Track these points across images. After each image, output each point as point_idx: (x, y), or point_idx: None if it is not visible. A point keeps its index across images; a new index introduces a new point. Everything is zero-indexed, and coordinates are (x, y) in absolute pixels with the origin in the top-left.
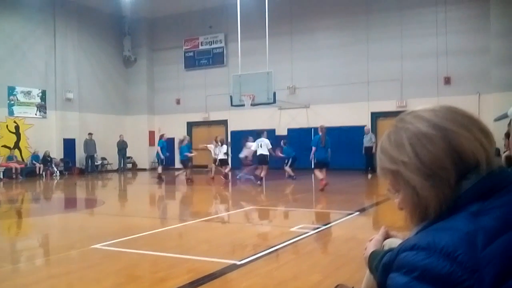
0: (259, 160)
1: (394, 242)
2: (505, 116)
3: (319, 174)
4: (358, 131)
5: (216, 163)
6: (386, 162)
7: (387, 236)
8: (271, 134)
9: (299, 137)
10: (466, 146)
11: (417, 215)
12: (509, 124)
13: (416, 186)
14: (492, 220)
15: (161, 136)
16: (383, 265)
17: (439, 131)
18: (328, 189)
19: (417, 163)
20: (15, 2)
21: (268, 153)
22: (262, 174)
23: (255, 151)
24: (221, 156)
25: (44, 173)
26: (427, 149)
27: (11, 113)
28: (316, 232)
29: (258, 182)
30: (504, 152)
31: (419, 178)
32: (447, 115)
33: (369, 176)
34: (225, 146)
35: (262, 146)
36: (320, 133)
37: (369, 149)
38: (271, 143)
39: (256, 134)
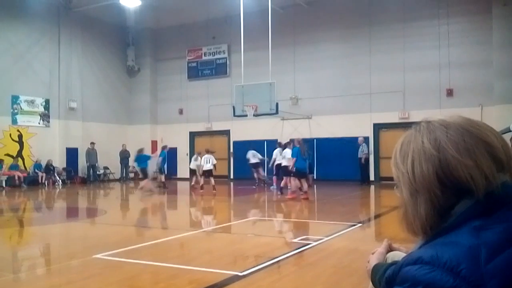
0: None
1: (397, 255)
2: (507, 130)
3: (298, 183)
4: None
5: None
6: (394, 167)
7: (390, 249)
8: (273, 144)
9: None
10: (461, 173)
11: (407, 226)
12: (511, 138)
13: (405, 198)
14: (495, 235)
15: (164, 147)
16: (386, 279)
17: (440, 152)
18: (330, 200)
19: (410, 178)
20: (20, 11)
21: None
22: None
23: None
24: (208, 167)
25: (46, 182)
26: (421, 167)
27: (14, 122)
28: (318, 244)
29: (301, 193)
30: None
31: (407, 192)
32: (456, 137)
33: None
34: (212, 157)
35: (286, 157)
36: (298, 145)
37: (360, 160)
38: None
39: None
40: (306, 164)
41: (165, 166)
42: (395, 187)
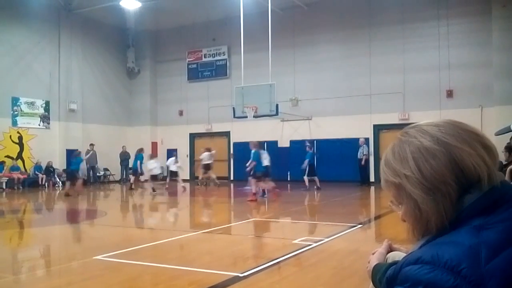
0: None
1: (397, 255)
2: (508, 130)
3: (264, 184)
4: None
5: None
6: (389, 175)
7: (390, 249)
8: (273, 146)
9: (302, 149)
10: (468, 161)
11: (419, 228)
12: (511, 137)
13: (418, 200)
14: (495, 234)
15: (141, 150)
16: (387, 279)
17: (442, 146)
18: (331, 202)
19: (419, 177)
20: (21, 13)
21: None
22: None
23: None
24: (173, 168)
25: (46, 183)
26: (430, 163)
27: (14, 123)
28: (319, 245)
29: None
30: (505, 165)
31: (420, 192)
32: (451, 131)
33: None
34: (173, 158)
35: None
36: (255, 149)
37: (359, 161)
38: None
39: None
40: (264, 166)
41: (142, 168)
42: (390, 203)
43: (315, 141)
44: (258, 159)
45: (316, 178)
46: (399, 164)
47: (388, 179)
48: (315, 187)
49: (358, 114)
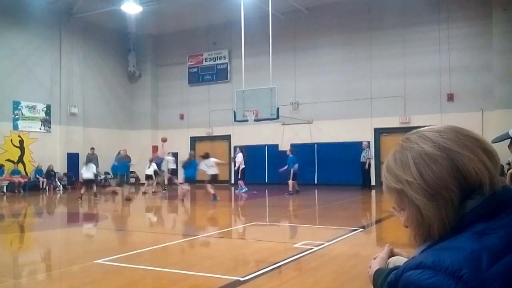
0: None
1: (398, 260)
2: (506, 136)
3: (187, 188)
4: (361, 147)
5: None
6: (391, 181)
7: (391, 254)
8: (274, 149)
9: (302, 153)
10: (470, 167)
11: (421, 234)
12: (509, 145)
13: (420, 205)
14: (496, 239)
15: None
16: (388, 284)
17: (444, 151)
18: (331, 205)
19: (421, 183)
20: (22, 18)
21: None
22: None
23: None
24: (149, 172)
25: (47, 187)
26: (431, 169)
27: (15, 127)
28: (320, 249)
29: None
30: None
31: (422, 198)
32: (452, 136)
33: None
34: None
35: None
36: (192, 158)
37: (363, 164)
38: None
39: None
40: (194, 172)
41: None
42: (392, 209)
43: (316, 145)
44: (188, 166)
45: (290, 182)
46: (401, 170)
47: (390, 185)
48: (290, 191)
49: (359, 118)
